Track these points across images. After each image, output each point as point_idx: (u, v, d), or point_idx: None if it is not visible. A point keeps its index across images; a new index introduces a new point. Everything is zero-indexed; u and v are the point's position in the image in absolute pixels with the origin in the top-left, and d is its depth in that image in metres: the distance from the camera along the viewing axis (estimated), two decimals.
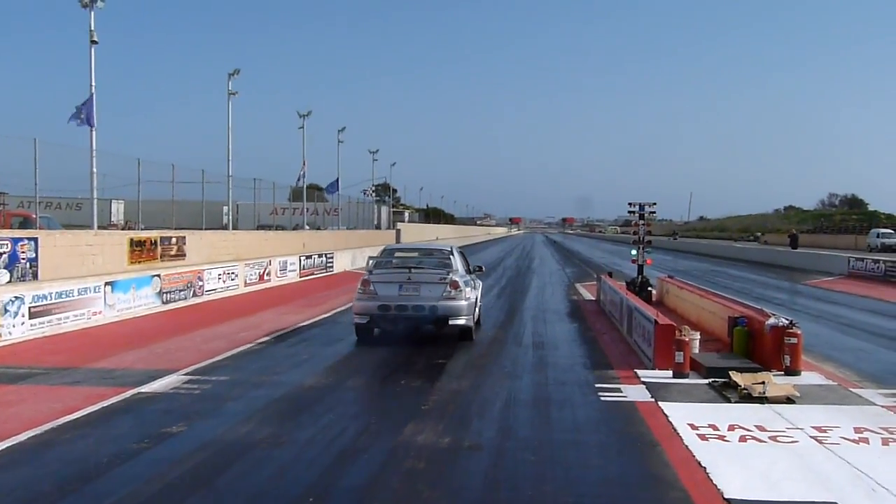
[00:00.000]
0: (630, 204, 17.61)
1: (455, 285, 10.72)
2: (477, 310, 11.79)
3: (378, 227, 46.00)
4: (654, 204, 17.40)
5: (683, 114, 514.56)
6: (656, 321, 9.55)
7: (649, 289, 17.35)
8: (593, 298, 18.64)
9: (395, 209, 61.31)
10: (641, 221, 17.51)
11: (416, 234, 54.28)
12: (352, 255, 30.05)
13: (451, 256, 11.46)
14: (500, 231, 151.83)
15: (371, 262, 11.37)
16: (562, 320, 14.78)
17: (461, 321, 10.73)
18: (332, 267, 27.27)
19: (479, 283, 12.52)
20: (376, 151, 47.88)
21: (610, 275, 18.34)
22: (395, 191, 73.35)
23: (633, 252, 17.85)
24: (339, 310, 16.03)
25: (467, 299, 10.82)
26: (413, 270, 10.86)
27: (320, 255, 26.38)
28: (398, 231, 47.92)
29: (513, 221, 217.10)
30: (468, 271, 11.92)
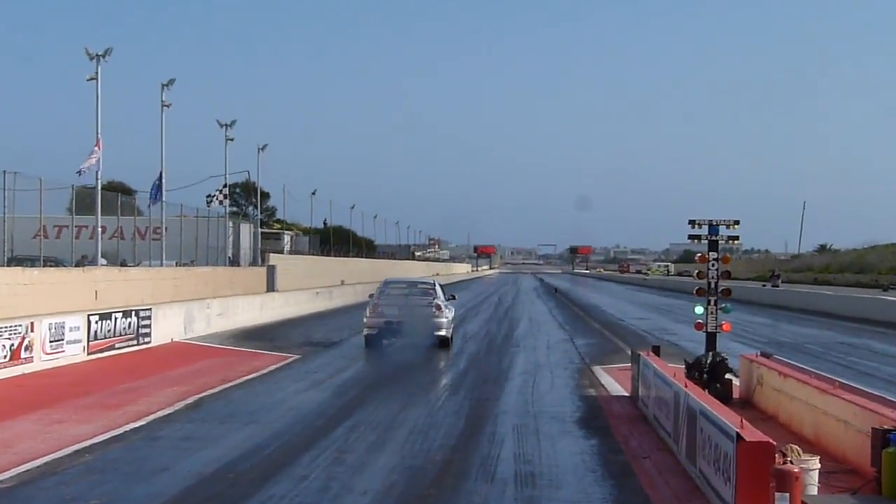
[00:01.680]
0: (692, 224, 12.61)
1: (438, 307, 19.14)
2: (452, 326, 20.11)
3: (234, 260, 33.28)
4: (736, 224, 12.49)
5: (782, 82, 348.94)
6: (740, 436, 6.62)
7: (728, 377, 12.60)
8: (625, 393, 13.60)
9: (268, 230, 47.39)
10: (713, 255, 12.52)
11: (304, 275, 39.85)
12: (186, 311, 21.32)
13: (434, 288, 19.84)
14: (461, 270, 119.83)
15: (375, 292, 19.92)
16: (568, 433, 10.64)
17: (443, 332, 19.10)
18: (148, 336, 18.92)
19: (453, 307, 20.76)
20: (230, 124, 31.42)
21: (656, 351, 12.73)
22: (265, 195, 51.90)
23: (699, 309, 12.84)
24: (162, 413, 11.29)
25: (447, 318, 19.35)
26: (408, 297, 19.22)
27: (128, 314, 18.11)
28: (270, 269, 34.79)
29: (480, 253, 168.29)
30: (446, 298, 20.16)
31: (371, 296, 20.48)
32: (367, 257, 66.29)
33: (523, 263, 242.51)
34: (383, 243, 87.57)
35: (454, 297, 21.59)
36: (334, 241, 58.74)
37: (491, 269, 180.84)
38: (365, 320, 19.64)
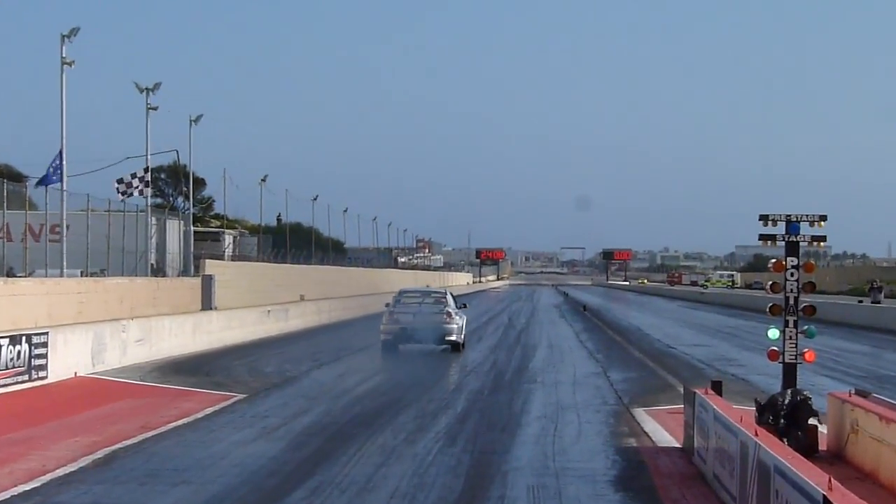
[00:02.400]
0: (765, 220, 12.77)
1: (449, 315, 26.75)
2: (463, 333, 27.83)
3: (159, 268, 33.57)
4: (823, 220, 12.69)
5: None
6: (827, 500, 6.46)
7: (812, 422, 12.71)
8: (676, 444, 13.67)
9: (204, 228, 47.85)
10: (792, 261, 12.75)
11: (252, 288, 40.46)
12: (94, 336, 21.14)
13: (446, 297, 27.77)
14: (459, 281, 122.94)
15: (390, 302, 27.36)
16: (601, 497, 10.64)
17: (453, 337, 26.77)
18: (44, 369, 18.66)
19: (464, 315, 28.84)
20: (153, 88, 32.32)
21: (717, 388, 12.80)
22: (199, 183, 51.78)
23: (773, 333, 13.00)
24: (62, 472, 11.18)
25: (457, 324, 26.99)
26: (421, 305, 26.79)
27: (16, 340, 17.76)
28: (207, 280, 34.60)
29: (484, 258, 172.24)
30: (457, 307, 28.05)
31: (387, 305, 28.32)
32: (334, 264, 66.66)
33: (541, 272, 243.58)
34: (356, 246, 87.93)
35: (465, 306, 30.71)
36: (292, 244, 59.05)
37: (499, 279, 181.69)
38: (381, 327, 27.60)
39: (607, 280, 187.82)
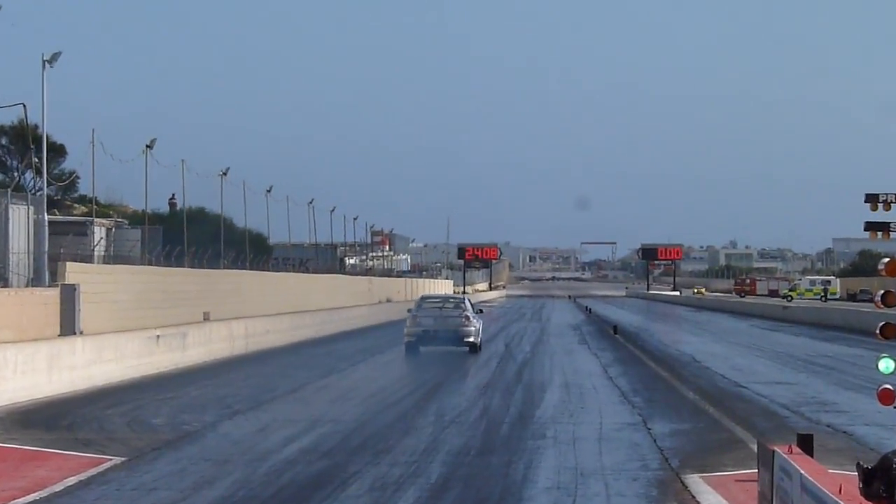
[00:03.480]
0: (873, 201, 13.34)
1: (468, 318, 44.46)
2: (480, 336, 46.02)
3: None
4: None
5: None
6: None
7: None
8: None
9: (63, 217, 48.08)
10: None
11: (135, 302, 42.24)
12: None
13: (464, 302, 47.10)
14: (442, 288, 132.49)
15: (413, 307, 46.47)
16: None
17: (471, 339, 44.37)
18: None
19: (481, 319, 47.60)
20: None
21: (805, 444, 13.25)
22: (57, 150, 54.79)
23: (886, 364, 13.31)
24: None
25: (475, 327, 44.89)
26: (442, 309, 45.57)
27: None
28: (68, 292, 35.69)
29: (471, 258, 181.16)
30: (475, 311, 46.57)
31: (409, 310, 45.82)
32: (254, 267, 66.81)
33: (553, 279, 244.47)
34: (283, 242, 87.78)
35: (482, 311, 49.20)
36: (192, 238, 59.06)
37: (492, 287, 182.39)
38: (405, 330, 44.19)
39: (648, 289, 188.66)
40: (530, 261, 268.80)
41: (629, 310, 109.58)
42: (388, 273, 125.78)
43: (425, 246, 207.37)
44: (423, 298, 48.78)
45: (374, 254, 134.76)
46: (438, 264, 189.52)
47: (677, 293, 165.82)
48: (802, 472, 11.61)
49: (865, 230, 13.39)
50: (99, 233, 49.06)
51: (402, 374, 37.85)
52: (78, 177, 60.10)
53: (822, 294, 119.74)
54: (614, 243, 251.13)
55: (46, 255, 38.05)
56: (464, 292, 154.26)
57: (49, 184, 50.64)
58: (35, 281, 36.60)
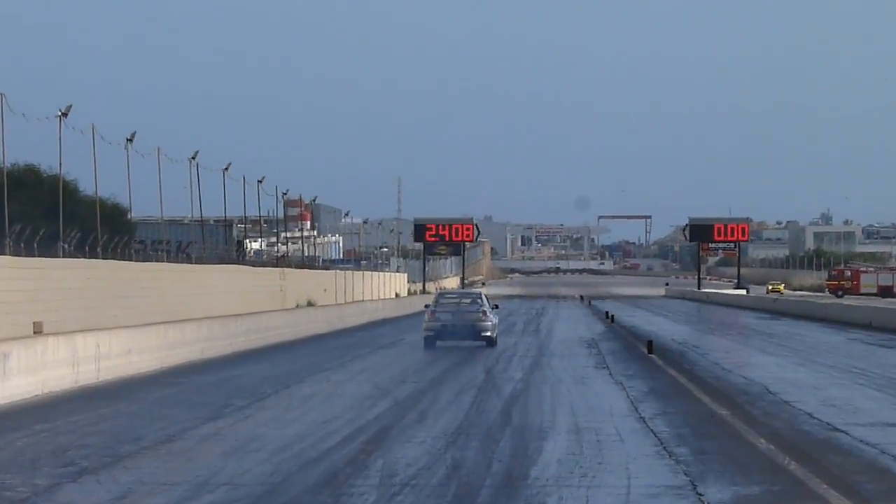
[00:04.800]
0: None
1: (484, 313, 73.66)
2: (497, 330, 76.47)
3: None
4: None
5: None
6: None
7: None
8: None
9: None
10: None
11: None
12: None
13: (481, 297, 77.71)
14: (384, 286, 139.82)
15: (431, 303, 78.21)
16: None
17: (488, 333, 72.99)
18: None
19: (497, 315, 77.91)
20: None
21: None
22: None
23: None
24: None
25: (491, 321, 73.98)
26: (459, 304, 76.33)
27: None
28: None
29: (433, 240, 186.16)
30: (490, 307, 76.97)
31: (427, 305, 75.88)
32: (108, 255, 66.75)
33: (558, 270, 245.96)
34: (153, 217, 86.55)
35: (497, 307, 77.52)
36: (15, 211, 59.59)
37: (465, 283, 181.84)
38: (424, 325, 71.50)
39: (699, 285, 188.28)
40: (523, 244, 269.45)
41: (671, 317, 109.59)
42: (310, 263, 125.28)
43: (366, 223, 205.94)
44: (441, 295, 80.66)
45: (289, 234, 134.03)
46: (385, 249, 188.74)
47: (743, 291, 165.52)
48: None
49: None
50: None
51: (331, 413, 37.52)
52: None
53: None
54: (648, 217, 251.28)
55: None
56: (423, 290, 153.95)
57: None
58: None
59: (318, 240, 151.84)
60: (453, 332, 69.74)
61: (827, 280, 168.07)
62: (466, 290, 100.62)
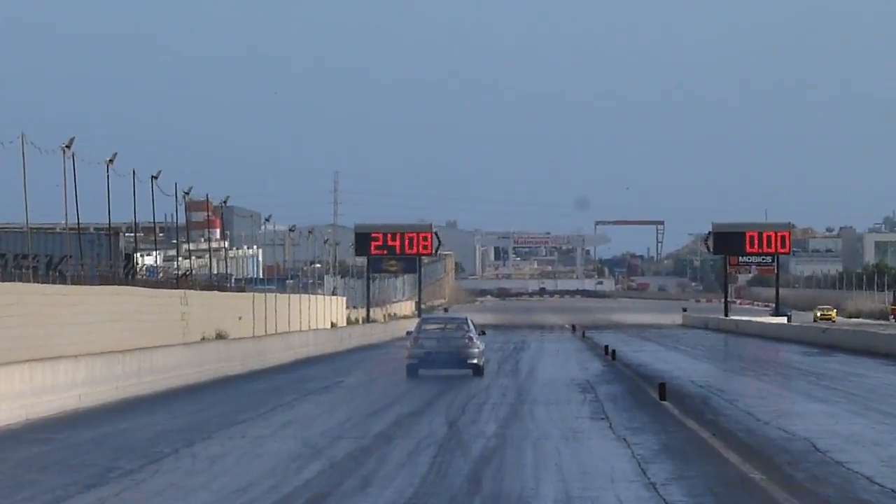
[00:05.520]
0: None
1: (471, 339, 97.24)
2: (484, 358, 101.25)
3: None
4: None
5: None
6: None
7: None
8: None
9: None
10: None
11: None
12: None
13: (467, 323, 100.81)
14: (326, 312, 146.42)
15: (414, 329, 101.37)
16: None
17: (475, 361, 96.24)
18: None
19: (484, 341, 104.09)
20: None
21: None
22: None
23: None
24: None
25: (478, 348, 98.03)
26: (444, 331, 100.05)
27: None
28: None
29: (380, 253, 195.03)
30: (477, 333, 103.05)
31: (408, 332, 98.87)
32: None
33: (542, 292, 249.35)
34: (13, 224, 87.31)
35: (484, 333, 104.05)
36: None
37: (421, 310, 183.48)
38: (406, 352, 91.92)
39: (727, 310, 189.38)
40: (497, 258, 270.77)
41: (689, 352, 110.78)
42: (220, 283, 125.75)
43: (292, 231, 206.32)
44: (424, 320, 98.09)
45: (193, 245, 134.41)
46: (317, 265, 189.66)
47: (784, 319, 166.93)
48: None
49: None
50: None
51: (247, 479, 37.13)
52: None
53: None
54: (660, 223, 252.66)
55: None
56: (367, 318, 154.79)
57: None
58: None
59: (231, 253, 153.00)
60: (438, 360, 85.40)
61: (892, 304, 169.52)
62: (451, 315, 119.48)
